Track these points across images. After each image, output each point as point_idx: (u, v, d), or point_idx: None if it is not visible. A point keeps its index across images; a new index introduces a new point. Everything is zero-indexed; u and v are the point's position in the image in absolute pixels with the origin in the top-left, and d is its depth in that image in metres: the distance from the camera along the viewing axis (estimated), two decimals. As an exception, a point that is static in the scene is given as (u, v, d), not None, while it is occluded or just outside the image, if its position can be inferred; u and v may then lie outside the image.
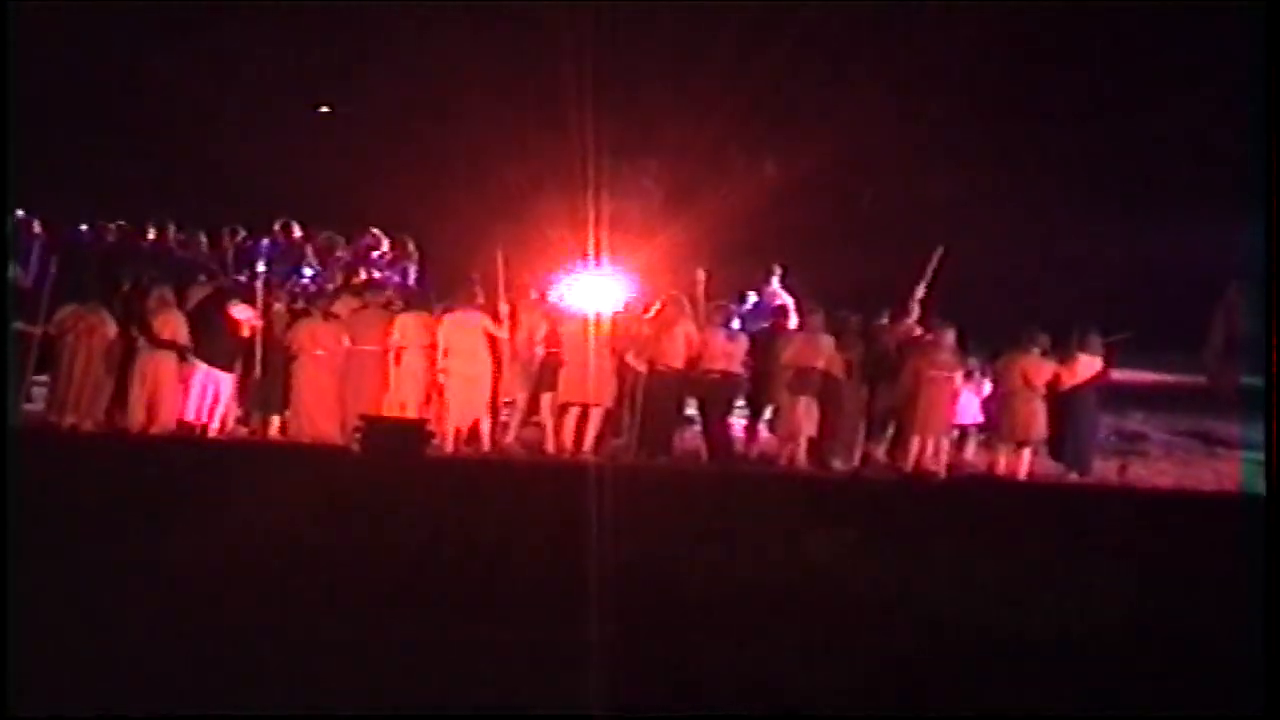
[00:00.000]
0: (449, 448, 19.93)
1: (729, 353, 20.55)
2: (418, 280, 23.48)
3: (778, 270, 23.78)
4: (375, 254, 23.82)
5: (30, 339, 19.92)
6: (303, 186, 26.53)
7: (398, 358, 20.26)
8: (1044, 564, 13.74)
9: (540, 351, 20.51)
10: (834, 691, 9.78)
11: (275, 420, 20.55)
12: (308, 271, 22.98)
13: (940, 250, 20.94)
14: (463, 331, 20.20)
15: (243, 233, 23.67)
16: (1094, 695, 10.09)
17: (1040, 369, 20.20)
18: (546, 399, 20.47)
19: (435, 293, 22.13)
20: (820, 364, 20.15)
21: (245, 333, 20.28)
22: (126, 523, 13.34)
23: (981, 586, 12.80)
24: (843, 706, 9.58)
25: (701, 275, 22.53)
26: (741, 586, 12.42)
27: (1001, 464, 20.20)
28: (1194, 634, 11.72)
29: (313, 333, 20.39)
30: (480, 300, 20.47)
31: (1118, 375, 21.44)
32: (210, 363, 20.13)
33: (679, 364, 20.46)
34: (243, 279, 21.86)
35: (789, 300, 23.22)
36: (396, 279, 23.06)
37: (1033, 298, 21.11)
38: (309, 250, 23.30)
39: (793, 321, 22.27)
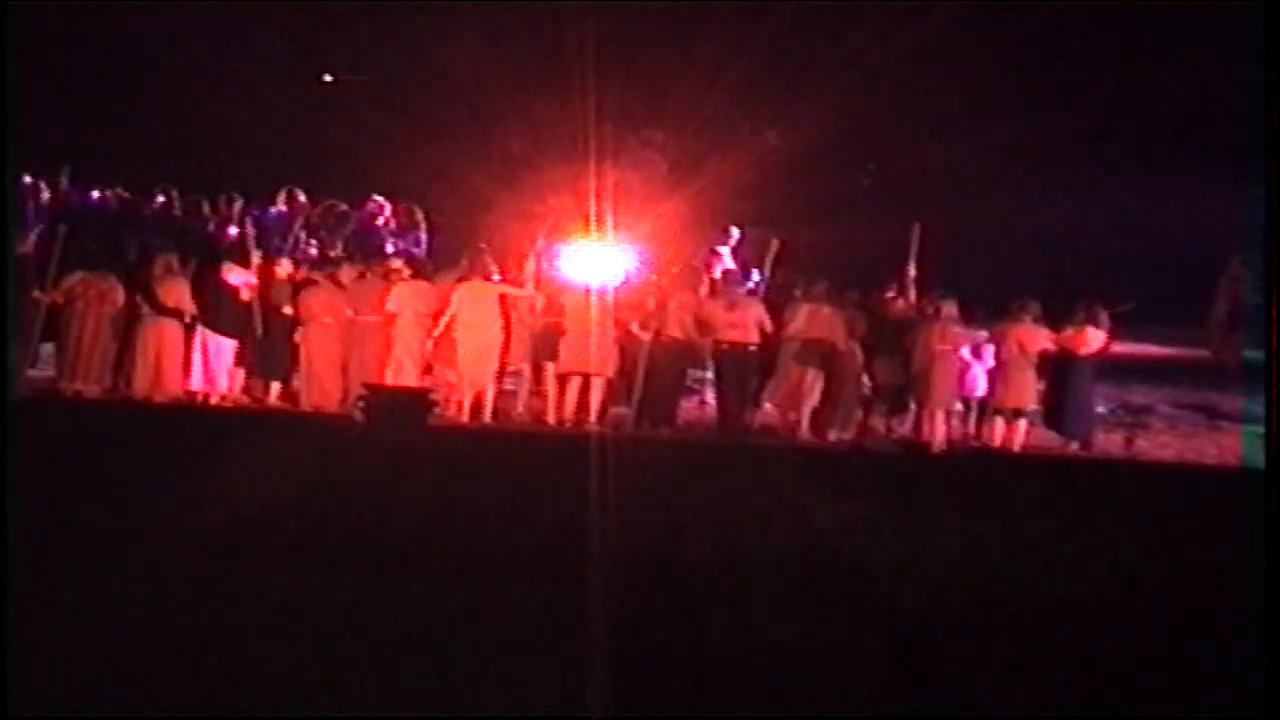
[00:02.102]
0: (464, 418, 19.97)
1: (733, 323, 20.45)
2: (427, 249, 23.50)
3: (735, 234, 23.87)
4: (379, 221, 23.85)
5: (38, 305, 19.98)
6: (306, 155, 26.54)
7: (393, 326, 20.29)
8: (1047, 535, 13.81)
9: (541, 321, 20.51)
10: (839, 659, 9.84)
11: (276, 387, 20.59)
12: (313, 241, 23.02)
13: (918, 227, 20.87)
14: (477, 303, 20.19)
15: (239, 201, 23.73)
16: (1094, 664, 10.14)
17: (1034, 337, 20.22)
18: (550, 369, 20.47)
19: (438, 261, 22.16)
20: (825, 335, 20.13)
21: (244, 297, 20.33)
22: (132, 490, 13.39)
23: (986, 557, 12.87)
24: (846, 674, 9.64)
25: (775, 243, 22.13)
26: (745, 557, 12.47)
27: (999, 434, 20.21)
28: (1195, 603, 11.79)
29: (322, 300, 20.43)
30: (494, 271, 20.48)
31: (1122, 348, 21.43)
32: (212, 328, 20.19)
33: (683, 334, 20.46)
34: (239, 244, 21.89)
35: (731, 265, 23.30)
36: (408, 248, 23.08)
37: (1036, 270, 21.08)
38: (316, 218, 23.35)
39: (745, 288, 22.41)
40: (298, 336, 20.39)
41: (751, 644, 10.13)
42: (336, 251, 22.75)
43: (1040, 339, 20.21)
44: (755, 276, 22.45)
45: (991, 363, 20.24)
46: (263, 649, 9.46)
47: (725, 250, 23.70)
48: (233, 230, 23.19)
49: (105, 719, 8.48)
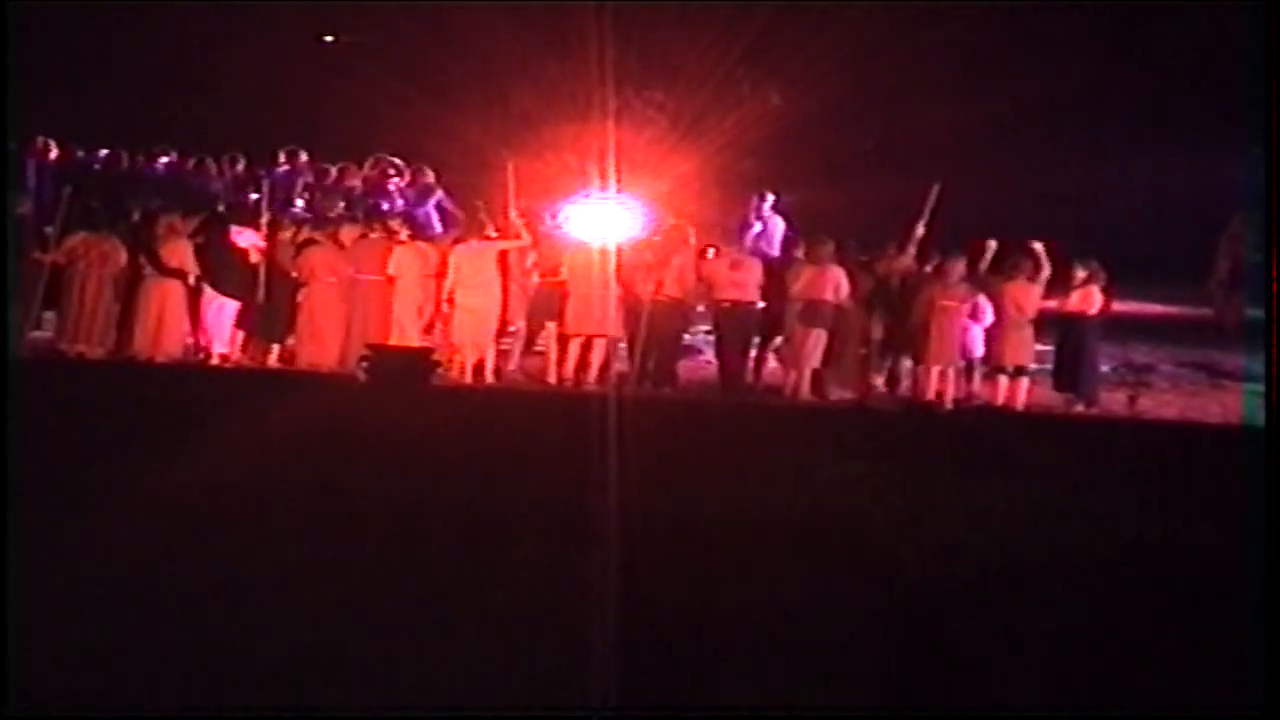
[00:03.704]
0: (467, 378, 19.96)
1: (736, 281, 20.46)
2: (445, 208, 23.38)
3: (770, 197, 23.88)
4: (392, 183, 23.78)
5: (41, 267, 19.98)
6: (308, 115, 26.52)
7: (393, 286, 20.28)
8: (1050, 493, 13.84)
9: (536, 279, 20.48)
10: (843, 619, 9.87)
11: (276, 348, 20.57)
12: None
13: (937, 186, 20.85)
14: (474, 263, 20.17)
15: (242, 161, 23.72)
16: (1097, 621, 10.18)
17: (1029, 295, 20.22)
18: (550, 328, 20.45)
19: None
20: (830, 295, 20.11)
21: (254, 259, 20.34)
22: (135, 451, 13.40)
23: (988, 515, 12.90)
24: (849, 631, 9.67)
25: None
26: (748, 515, 12.50)
27: (1001, 392, 20.20)
28: (1198, 561, 11.82)
29: (324, 259, 20.41)
30: (490, 230, 20.46)
31: (1125, 307, 21.43)
32: (217, 289, 20.18)
33: (681, 294, 20.48)
34: (247, 205, 21.88)
35: (779, 224, 23.40)
36: (427, 212, 22.99)
37: (1037, 229, 21.03)
38: (318, 177, 23.34)
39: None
40: (300, 296, 20.37)
41: (755, 601, 10.16)
42: (339, 211, 22.58)
43: (1035, 297, 20.23)
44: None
45: (989, 321, 20.23)
46: (265, 607, 9.49)
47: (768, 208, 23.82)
48: (237, 191, 23.15)
49: (110, 699, 8.48)
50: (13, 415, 13.36)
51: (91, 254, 19.95)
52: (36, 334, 20.38)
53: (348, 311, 20.35)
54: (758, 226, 23.37)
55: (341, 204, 22.89)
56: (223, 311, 20.27)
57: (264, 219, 20.74)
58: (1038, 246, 20.38)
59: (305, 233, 20.97)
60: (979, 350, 20.33)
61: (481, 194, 22.27)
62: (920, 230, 20.78)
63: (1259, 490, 12.97)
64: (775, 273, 20.70)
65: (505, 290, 20.27)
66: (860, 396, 20.31)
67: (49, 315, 20.50)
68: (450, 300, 20.14)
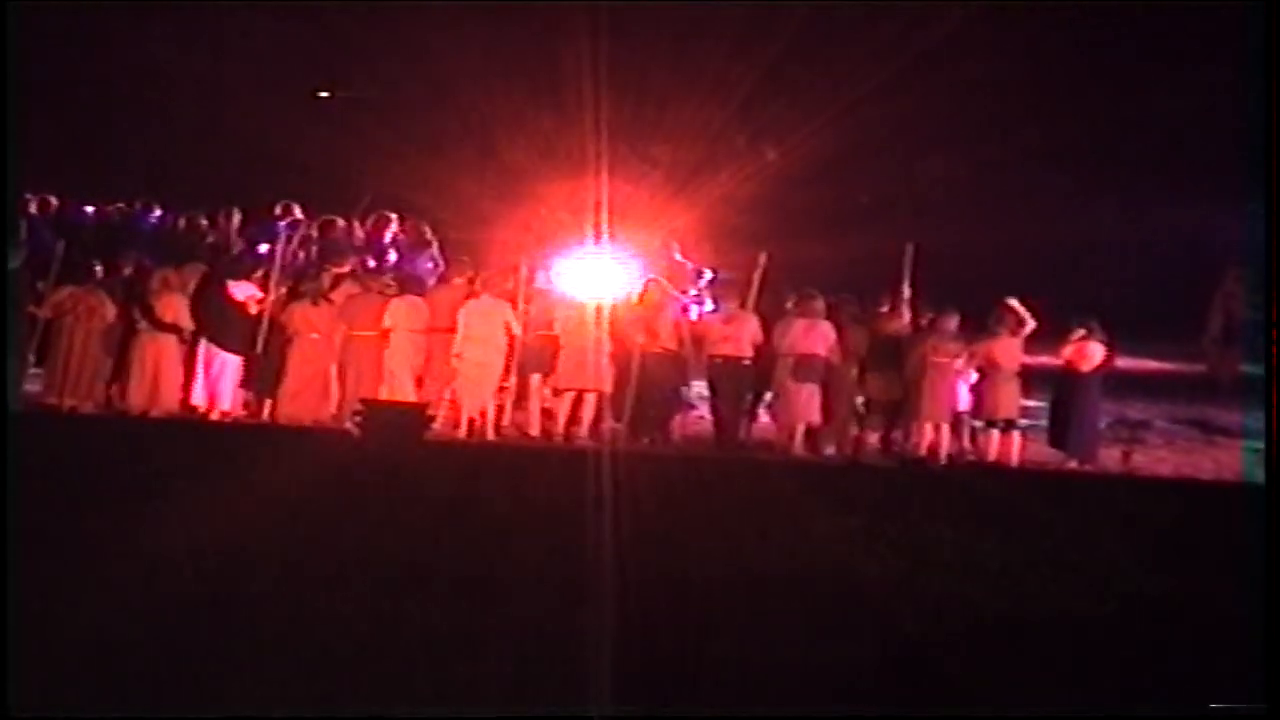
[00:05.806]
0: (462, 433, 19.93)
1: (727, 336, 20.48)
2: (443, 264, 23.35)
3: (675, 244, 23.97)
4: (388, 237, 23.76)
5: (34, 320, 19.97)
6: (303, 170, 26.54)
7: (386, 340, 20.25)
8: (1044, 549, 13.80)
9: (530, 335, 20.45)
10: (838, 673, 9.83)
11: (270, 402, 20.54)
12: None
13: (911, 246, 20.85)
14: (485, 320, 20.14)
15: (238, 215, 23.73)
16: (1092, 679, 10.13)
17: (1009, 352, 20.23)
18: (535, 380, 20.40)
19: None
20: (821, 351, 20.13)
21: (252, 311, 20.31)
22: (127, 507, 13.35)
23: (982, 572, 12.86)
24: (843, 689, 9.62)
25: (763, 258, 22.29)
26: (743, 572, 12.46)
27: (994, 448, 20.18)
28: (1193, 618, 11.77)
29: (305, 316, 20.39)
30: (508, 289, 20.42)
31: (1119, 363, 21.41)
32: (217, 344, 20.13)
33: (673, 346, 20.47)
34: (245, 259, 21.85)
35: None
36: (422, 265, 22.96)
37: (1033, 285, 21.06)
38: (315, 231, 23.36)
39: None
40: (287, 351, 20.34)
41: (748, 659, 10.11)
42: (347, 266, 22.54)
43: (1018, 351, 20.25)
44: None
45: (975, 377, 20.27)
46: (258, 665, 9.43)
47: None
48: (233, 245, 23.14)
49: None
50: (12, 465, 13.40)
51: (79, 308, 19.96)
52: (26, 388, 20.32)
53: (335, 366, 20.32)
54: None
55: (350, 259, 22.85)
56: (224, 366, 20.22)
57: (261, 272, 20.75)
58: (1015, 302, 20.42)
59: (302, 286, 20.92)
60: (968, 405, 20.35)
61: (478, 249, 22.28)
62: (906, 291, 20.81)
63: (1253, 545, 12.94)
64: (769, 329, 20.68)
65: (511, 348, 20.23)
66: (854, 452, 20.30)
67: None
68: (458, 355, 20.10)
